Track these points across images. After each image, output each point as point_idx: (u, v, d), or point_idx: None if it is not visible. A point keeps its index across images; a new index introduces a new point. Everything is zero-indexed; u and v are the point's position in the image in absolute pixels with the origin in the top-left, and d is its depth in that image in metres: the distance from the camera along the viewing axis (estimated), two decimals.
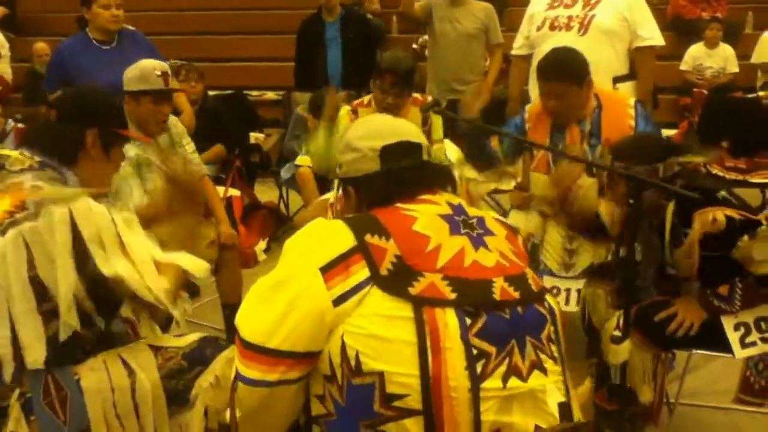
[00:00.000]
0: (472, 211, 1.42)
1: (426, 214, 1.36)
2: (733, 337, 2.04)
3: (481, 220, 1.40)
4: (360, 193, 1.46)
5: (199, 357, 1.79)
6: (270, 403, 1.33)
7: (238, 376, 1.34)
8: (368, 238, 1.29)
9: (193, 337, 1.86)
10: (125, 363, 1.69)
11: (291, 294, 1.28)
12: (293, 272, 1.31)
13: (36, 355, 1.58)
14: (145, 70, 2.71)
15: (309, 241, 1.34)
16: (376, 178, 1.43)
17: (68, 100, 1.92)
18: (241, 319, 1.33)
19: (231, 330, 2.94)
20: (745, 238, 1.94)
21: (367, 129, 1.50)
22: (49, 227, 1.57)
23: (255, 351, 1.29)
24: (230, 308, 2.97)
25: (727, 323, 2.06)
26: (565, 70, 2.56)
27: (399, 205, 1.38)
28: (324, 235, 1.33)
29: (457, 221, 1.37)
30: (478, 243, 1.35)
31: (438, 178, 1.47)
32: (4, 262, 1.56)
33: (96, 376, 1.65)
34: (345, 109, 3.22)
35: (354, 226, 1.32)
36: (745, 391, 2.11)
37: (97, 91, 1.97)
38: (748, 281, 2.01)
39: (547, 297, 1.41)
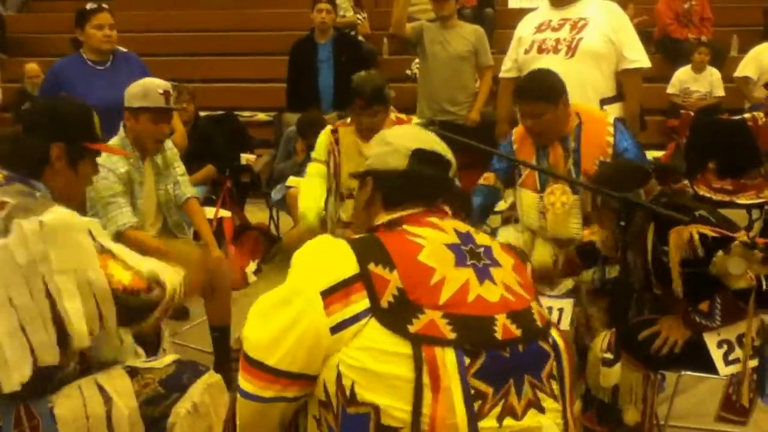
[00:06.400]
0: (480, 239, 1.40)
1: (432, 242, 1.34)
2: (716, 354, 2.05)
3: (488, 250, 1.38)
4: (377, 185, 1.45)
5: (177, 383, 1.76)
6: (264, 418, 1.33)
7: (237, 387, 1.34)
8: (372, 267, 1.27)
9: (168, 359, 1.83)
10: (101, 389, 1.65)
11: (292, 313, 1.28)
12: (296, 291, 1.30)
13: (21, 374, 1.53)
14: (148, 87, 2.73)
15: (314, 260, 1.33)
16: (398, 176, 1.43)
17: (35, 112, 1.83)
18: (246, 332, 1.33)
19: (219, 352, 2.96)
20: (720, 253, 1.95)
21: (408, 131, 1.52)
22: (20, 242, 1.53)
23: (254, 366, 1.29)
24: (219, 331, 2.95)
25: (710, 341, 2.07)
26: (539, 90, 2.62)
27: (405, 227, 1.36)
28: (329, 257, 1.31)
29: (464, 251, 1.35)
30: (483, 275, 1.33)
31: (455, 200, 1.47)
32: None
33: (70, 404, 1.61)
34: (326, 130, 3.25)
35: (359, 251, 1.30)
36: (726, 409, 2.11)
37: (66, 104, 1.86)
38: (727, 296, 2.02)
39: (553, 331, 1.38)
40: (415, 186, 1.41)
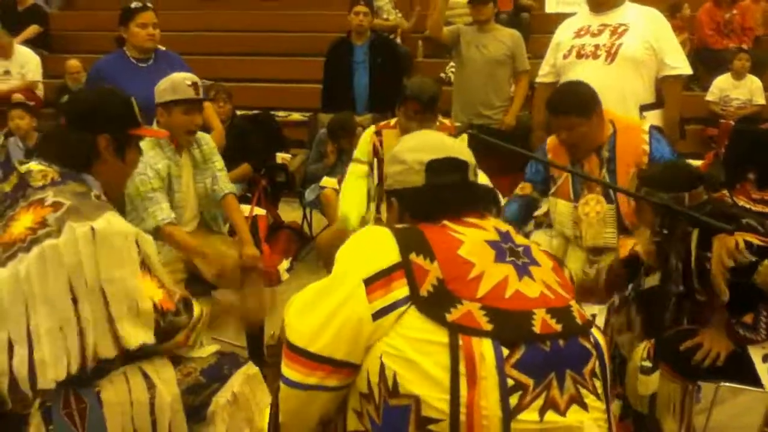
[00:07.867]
0: (519, 240, 1.41)
1: (473, 239, 1.35)
2: (762, 369, 2.02)
3: (527, 249, 1.39)
4: (402, 205, 1.47)
5: (217, 373, 1.80)
6: (306, 408, 1.35)
7: (281, 377, 1.36)
8: (413, 256, 1.30)
9: (210, 349, 1.87)
10: (146, 376, 1.70)
11: (335, 301, 1.30)
12: (339, 280, 1.32)
13: (56, 373, 1.57)
14: (176, 81, 2.78)
15: (358, 250, 1.36)
16: (420, 193, 1.44)
17: (77, 106, 1.87)
18: (289, 320, 1.35)
19: (252, 347, 2.98)
20: (766, 262, 1.92)
21: (417, 142, 1.51)
22: (70, 245, 1.57)
23: (297, 353, 1.31)
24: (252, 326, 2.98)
25: (756, 355, 2.03)
26: (571, 104, 2.61)
27: (446, 223, 1.37)
28: (372, 246, 1.34)
29: (504, 248, 1.36)
30: (522, 272, 1.34)
31: (482, 199, 1.47)
32: (28, 280, 1.56)
33: (116, 389, 1.66)
34: (370, 130, 3.24)
35: (401, 241, 1.32)
36: None
37: (107, 94, 1.90)
38: None
39: (594, 331, 1.37)
40: (437, 199, 1.42)
